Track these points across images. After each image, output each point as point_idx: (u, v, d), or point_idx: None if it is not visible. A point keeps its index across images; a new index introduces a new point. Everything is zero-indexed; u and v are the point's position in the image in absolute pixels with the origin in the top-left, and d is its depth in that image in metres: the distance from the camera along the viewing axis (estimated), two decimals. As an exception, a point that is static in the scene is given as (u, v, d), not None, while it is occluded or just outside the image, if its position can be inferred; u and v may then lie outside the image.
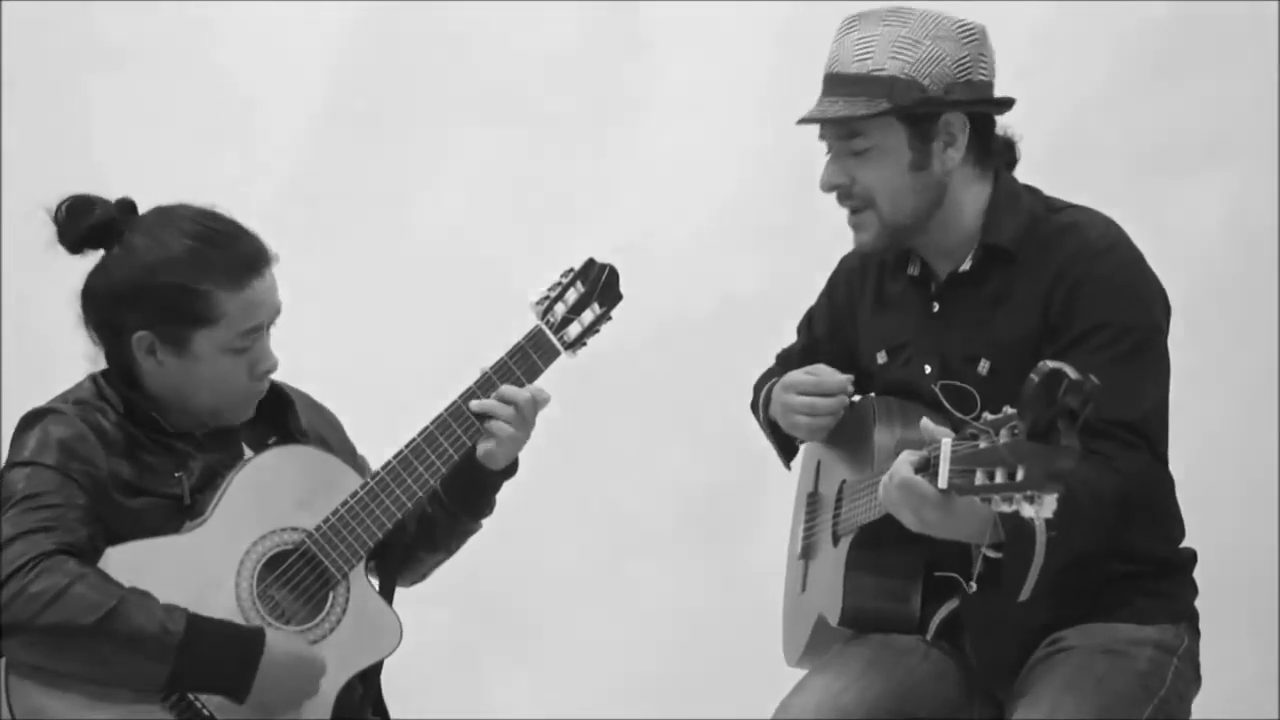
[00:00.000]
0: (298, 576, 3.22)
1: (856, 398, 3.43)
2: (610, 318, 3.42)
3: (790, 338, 3.67)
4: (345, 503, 3.25)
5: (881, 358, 3.40)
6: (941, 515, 2.93)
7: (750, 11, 5.08)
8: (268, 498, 3.22)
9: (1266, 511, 4.98)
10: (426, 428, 3.30)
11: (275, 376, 3.29)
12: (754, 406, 3.62)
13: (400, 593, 3.42)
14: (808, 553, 3.54)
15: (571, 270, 3.42)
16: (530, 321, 3.38)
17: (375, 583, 3.35)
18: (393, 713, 3.37)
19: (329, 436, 3.40)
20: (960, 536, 3.03)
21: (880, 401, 3.35)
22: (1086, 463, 2.97)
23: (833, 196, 3.31)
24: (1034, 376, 2.67)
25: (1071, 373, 2.66)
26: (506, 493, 3.41)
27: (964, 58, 3.21)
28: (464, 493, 3.37)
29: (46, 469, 3.13)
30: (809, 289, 3.64)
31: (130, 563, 3.11)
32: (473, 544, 3.48)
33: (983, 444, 2.76)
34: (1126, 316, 3.18)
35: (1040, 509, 2.72)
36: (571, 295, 3.40)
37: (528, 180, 5.13)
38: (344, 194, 5.11)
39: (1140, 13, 5.04)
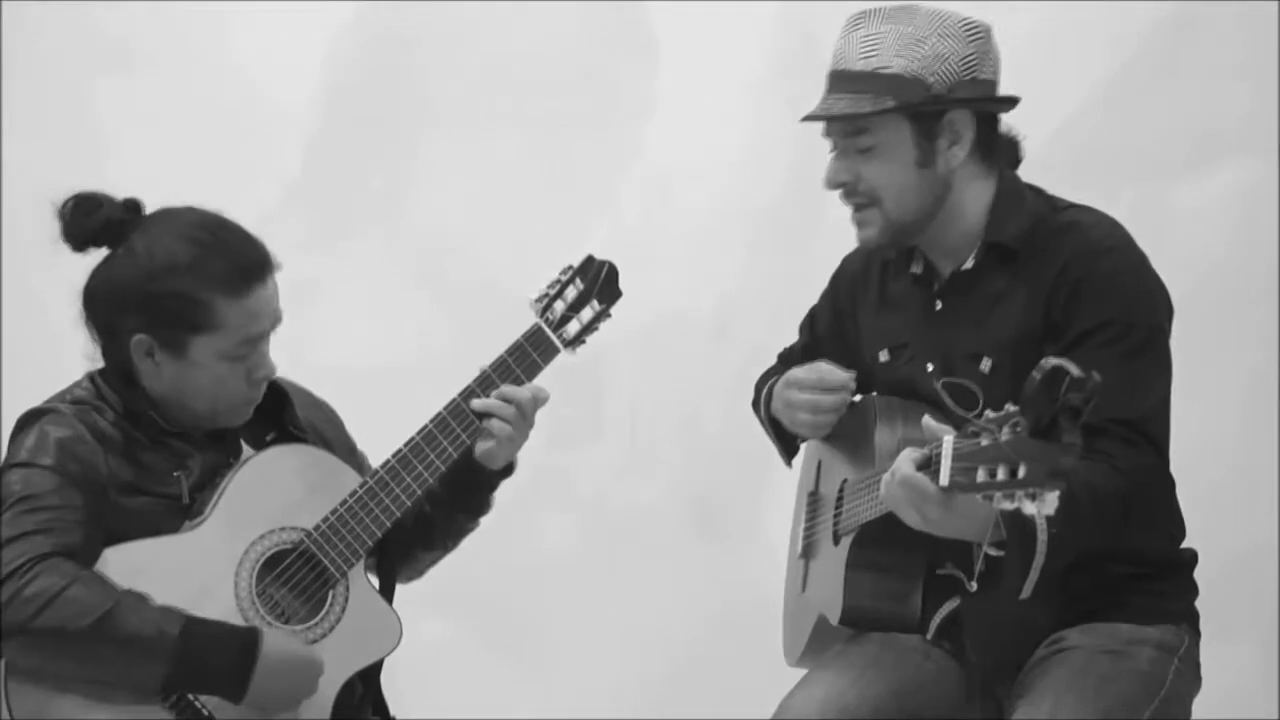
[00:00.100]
0: (297, 575, 3.21)
1: (858, 397, 3.43)
2: (610, 315, 3.41)
3: (790, 337, 3.66)
4: (344, 502, 3.24)
5: (883, 356, 3.40)
6: (943, 513, 2.93)
7: (751, 10, 5.08)
8: (267, 497, 3.21)
9: (1266, 511, 4.98)
10: (426, 426, 3.29)
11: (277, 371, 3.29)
12: (755, 405, 3.62)
13: (400, 592, 3.41)
14: (808, 552, 3.54)
15: (571, 267, 3.41)
16: (529, 319, 3.37)
17: (375, 582, 3.34)
18: (393, 712, 3.37)
19: (328, 432, 3.40)
20: (962, 534, 3.03)
21: (881, 400, 3.34)
22: (1087, 461, 2.98)
23: (834, 195, 3.31)
24: (1036, 373, 2.67)
25: (1074, 369, 2.66)
26: (506, 492, 3.40)
27: (969, 55, 3.21)
28: (462, 491, 3.37)
29: (44, 470, 3.12)
30: (809, 289, 3.64)
31: (129, 563, 3.10)
32: (473, 544, 3.48)
33: (984, 441, 2.76)
34: (1129, 315, 3.17)
35: (1042, 506, 2.71)
36: (571, 293, 3.39)
37: (528, 180, 5.13)
38: (344, 193, 5.10)
39: (1140, 13, 5.04)
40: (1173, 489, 3.31)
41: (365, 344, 5.03)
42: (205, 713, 3.11)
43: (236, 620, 3.14)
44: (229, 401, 3.24)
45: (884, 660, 3.31)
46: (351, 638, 3.22)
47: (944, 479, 2.84)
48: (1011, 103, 3.28)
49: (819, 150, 3.32)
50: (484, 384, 3.32)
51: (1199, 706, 3.31)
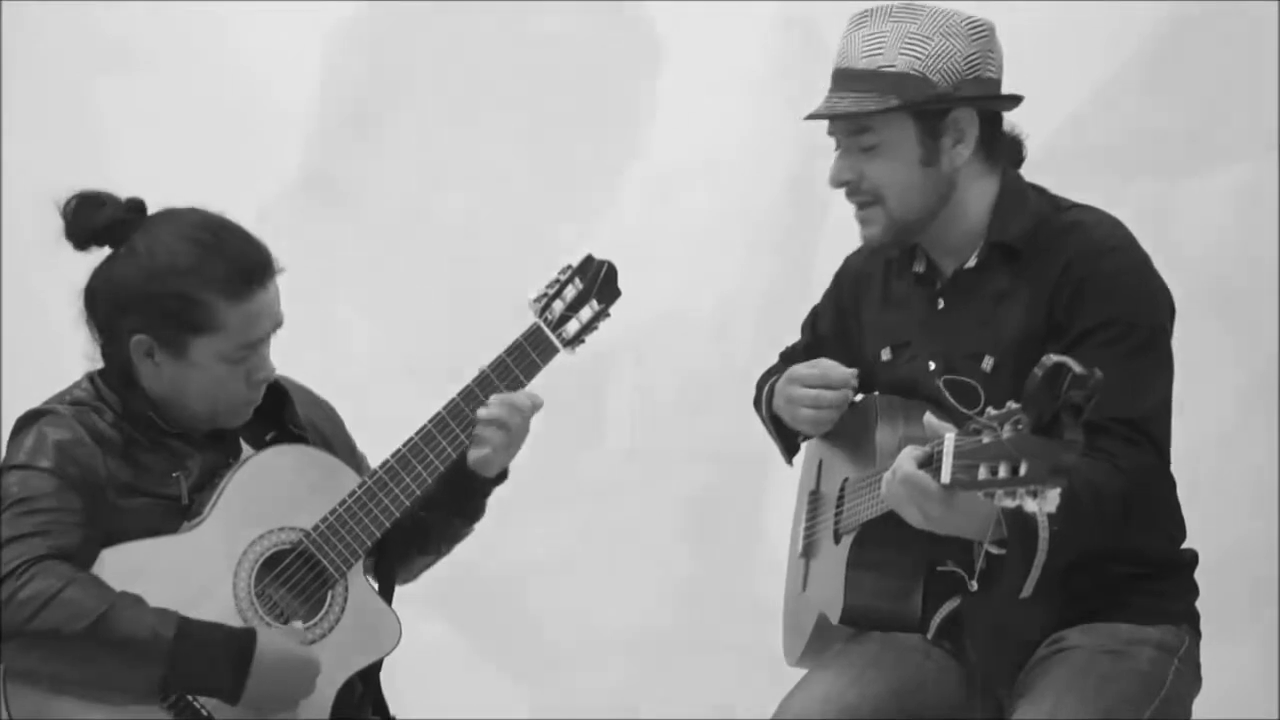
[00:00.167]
0: (296, 576, 3.21)
1: (859, 396, 3.42)
2: (609, 315, 3.40)
3: (791, 337, 3.66)
4: (343, 502, 3.24)
5: (885, 355, 3.40)
6: (944, 510, 2.93)
7: (751, 10, 5.08)
8: (265, 497, 3.21)
9: (1266, 511, 4.98)
10: (425, 427, 3.29)
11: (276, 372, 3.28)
12: (756, 403, 3.61)
13: (400, 593, 3.41)
14: (809, 551, 3.54)
15: (570, 267, 3.40)
16: (528, 319, 3.36)
17: (374, 582, 3.34)
18: (393, 712, 3.36)
19: (328, 431, 3.39)
20: (963, 533, 3.03)
21: (883, 399, 3.34)
22: (1089, 460, 2.98)
23: (834, 195, 3.32)
24: (1038, 370, 2.67)
25: (1075, 366, 2.65)
26: (506, 492, 3.40)
27: (973, 54, 3.21)
28: (456, 496, 3.36)
29: (42, 472, 3.11)
30: (809, 289, 3.64)
31: (128, 563, 3.10)
32: (472, 544, 3.47)
33: (986, 439, 2.76)
34: (1131, 315, 3.17)
35: (1044, 504, 2.71)
36: (570, 292, 3.38)
37: (528, 180, 5.13)
38: (344, 193, 5.10)
39: (1140, 13, 5.04)
40: (1173, 489, 3.31)
41: (365, 344, 5.03)
42: (204, 713, 3.10)
43: (235, 621, 3.13)
44: (228, 403, 3.23)
45: (884, 660, 3.31)
46: (351, 638, 3.21)
47: (945, 476, 2.83)
48: (1015, 101, 3.28)
49: (819, 150, 3.32)
50: (483, 384, 3.31)
51: (1199, 706, 3.31)
